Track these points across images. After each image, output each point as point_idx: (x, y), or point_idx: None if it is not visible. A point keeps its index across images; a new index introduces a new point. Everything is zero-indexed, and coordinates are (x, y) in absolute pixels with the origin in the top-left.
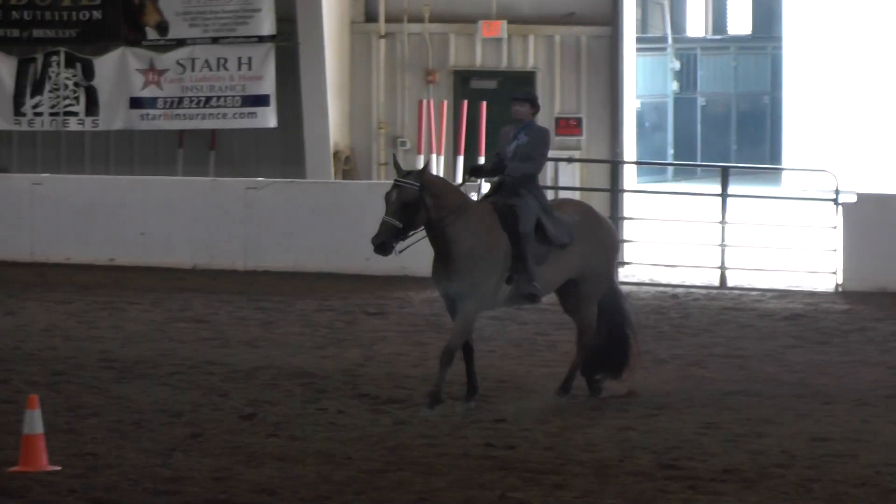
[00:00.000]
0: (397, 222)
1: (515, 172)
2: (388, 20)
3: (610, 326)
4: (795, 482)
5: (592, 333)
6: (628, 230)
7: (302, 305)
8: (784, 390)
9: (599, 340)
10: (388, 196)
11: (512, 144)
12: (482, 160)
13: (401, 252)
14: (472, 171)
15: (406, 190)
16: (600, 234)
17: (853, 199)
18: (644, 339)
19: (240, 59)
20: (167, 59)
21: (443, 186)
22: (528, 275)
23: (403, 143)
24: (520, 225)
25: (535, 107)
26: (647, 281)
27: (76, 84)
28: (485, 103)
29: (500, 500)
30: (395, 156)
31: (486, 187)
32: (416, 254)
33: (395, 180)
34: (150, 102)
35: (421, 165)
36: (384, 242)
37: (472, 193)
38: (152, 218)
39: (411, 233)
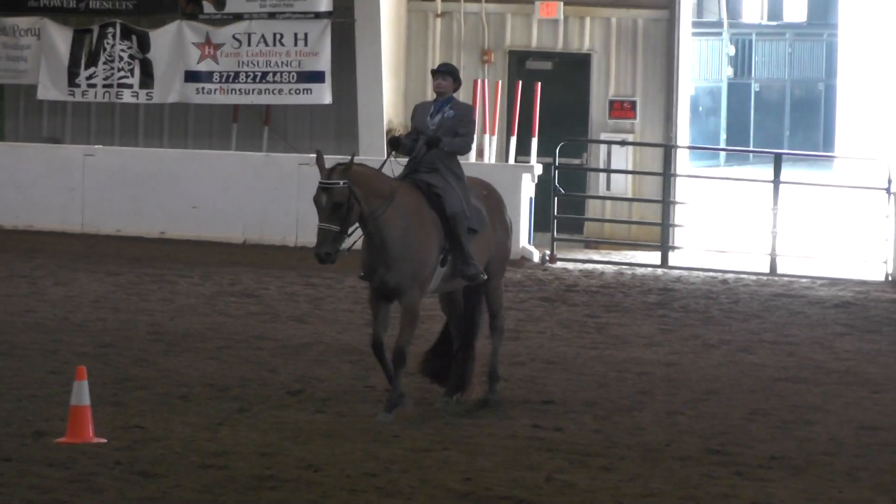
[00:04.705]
0: (334, 226)
1: (449, 146)
2: None
3: (461, 336)
4: (843, 470)
5: (502, 312)
6: (680, 214)
7: (352, 282)
8: (833, 378)
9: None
10: (317, 200)
11: (436, 118)
12: (535, 142)
13: (348, 252)
14: (393, 143)
15: (335, 190)
16: (502, 210)
17: None
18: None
19: (296, 34)
20: (223, 34)
21: (370, 176)
22: (464, 255)
23: None
24: (447, 207)
25: (457, 81)
26: (698, 266)
27: (131, 56)
28: (539, 84)
29: (547, 481)
30: (318, 152)
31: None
32: None
33: (321, 182)
34: (206, 76)
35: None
36: (328, 252)
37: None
38: (204, 192)
39: (350, 230)
